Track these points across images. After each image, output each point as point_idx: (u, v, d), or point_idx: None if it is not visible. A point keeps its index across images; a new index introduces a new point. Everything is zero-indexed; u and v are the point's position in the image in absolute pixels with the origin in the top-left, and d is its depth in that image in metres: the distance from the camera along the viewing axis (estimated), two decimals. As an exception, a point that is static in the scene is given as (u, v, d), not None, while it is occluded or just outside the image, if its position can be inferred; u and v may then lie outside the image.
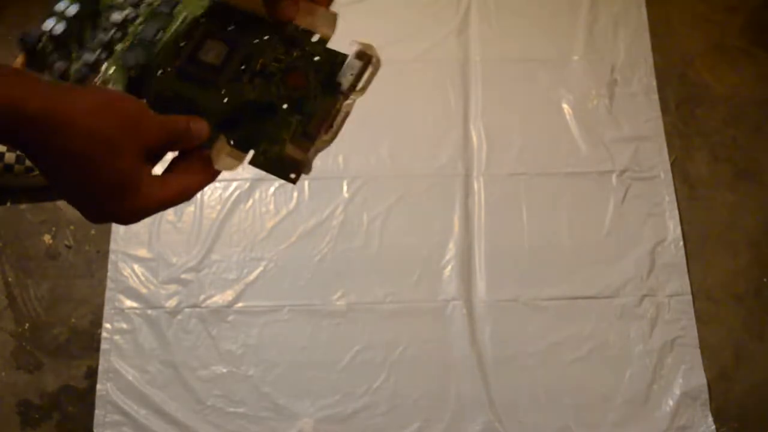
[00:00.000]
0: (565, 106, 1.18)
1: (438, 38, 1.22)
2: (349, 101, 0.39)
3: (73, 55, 0.40)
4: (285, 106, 0.39)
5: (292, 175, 0.38)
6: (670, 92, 1.20)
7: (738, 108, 1.19)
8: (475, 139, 1.15)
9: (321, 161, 1.13)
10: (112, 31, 0.41)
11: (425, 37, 1.22)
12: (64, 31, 0.40)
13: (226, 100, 0.39)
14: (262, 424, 0.99)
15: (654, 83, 1.19)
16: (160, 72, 0.40)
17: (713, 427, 1.00)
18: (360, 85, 0.40)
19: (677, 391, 1.01)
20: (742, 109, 1.19)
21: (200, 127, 0.37)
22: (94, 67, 0.40)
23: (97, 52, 0.40)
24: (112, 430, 0.99)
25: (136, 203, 0.34)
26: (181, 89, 0.39)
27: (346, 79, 0.40)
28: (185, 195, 0.37)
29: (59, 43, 0.40)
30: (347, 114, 0.39)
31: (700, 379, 1.02)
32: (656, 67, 1.20)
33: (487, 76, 1.19)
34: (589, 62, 1.20)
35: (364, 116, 1.15)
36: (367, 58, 0.40)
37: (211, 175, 0.38)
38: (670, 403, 1.01)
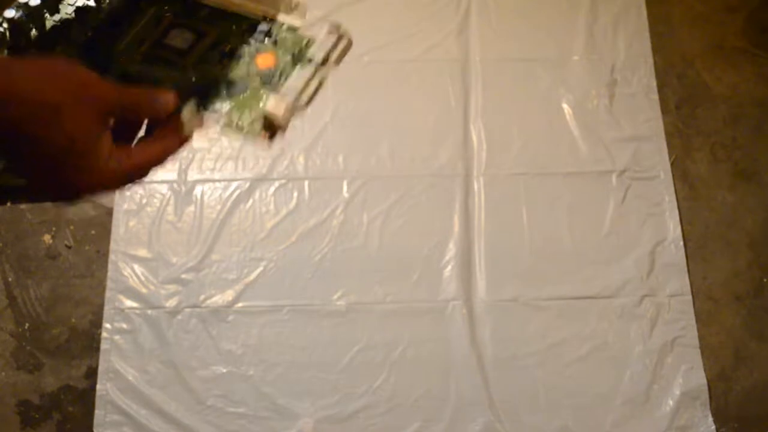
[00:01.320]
0: (565, 106, 1.18)
1: (438, 38, 1.22)
2: (322, 70, 0.39)
3: (31, 41, 0.40)
4: (256, 83, 0.39)
5: (267, 135, 0.38)
6: (670, 92, 1.20)
7: (738, 108, 1.19)
8: (475, 139, 1.15)
9: (321, 161, 1.14)
10: (72, 16, 0.41)
11: (425, 37, 1.22)
12: (24, 19, 0.40)
13: (194, 78, 0.39)
14: (262, 424, 0.99)
15: (654, 83, 1.19)
16: (123, 58, 0.39)
17: (713, 427, 1.00)
18: (333, 58, 0.39)
19: (677, 391, 1.01)
20: (742, 109, 1.19)
21: (167, 97, 0.36)
22: (51, 51, 0.40)
23: (54, 38, 0.40)
24: (112, 430, 0.99)
25: (97, 170, 0.33)
26: (146, 70, 0.39)
27: (318, 55, 0.39)
28: (155, 160, 0.36)
29: (18, 30, 0.40)
30: (321, 83, 0.39)
31: (700, 379, 1.02)
32: (656, 67, 1.20)
33: (487, 76, 1.19)
34: (589, 62, 1.20)
35: (364, 116, 1.16)
36: (338, 36, 0.40)
37: (181, 141, 0.37)
38: (670, 403, 1.01)
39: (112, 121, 0.34)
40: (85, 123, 0.32)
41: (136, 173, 0.35)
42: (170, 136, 0.37)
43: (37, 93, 0.31)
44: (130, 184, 0.36)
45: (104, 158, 0.33)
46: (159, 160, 0.36)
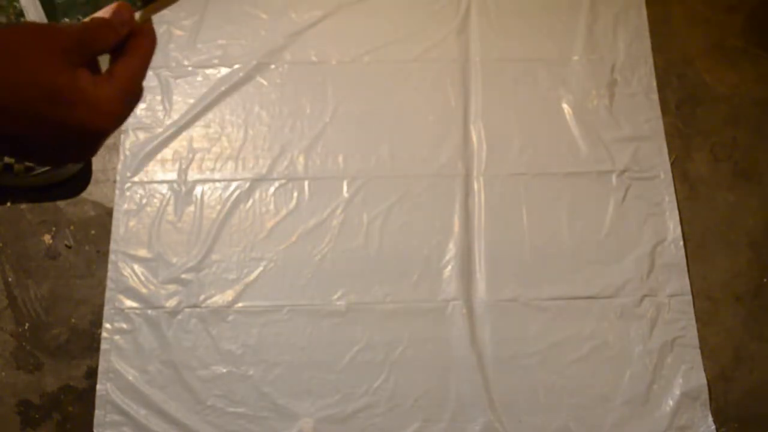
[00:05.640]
0: (565, 106, 1.18)
1: (438, 38, 1.22)
2: None
3: None
4: None
5: None
6: (670, 92, 1.20)
7: (738, 108, 1.19)
8: (475, 139, 1.15)
9: (321, 161, 1.14)
10: None
11: (425, 37, 1.22)
12: None
13: None
14: (262, 424, 0.99)
15: (654, 83, 1.19)
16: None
17: (713, 427, 1.00)
18: None
19: (677, 391, 1.01)
20: (742, 109, 1.19)
21: (120, 11, 0.36)
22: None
23: None
24: (112, 430, 0.99)
25: (93, 99, 0.33)
26: None
27: None
28: (140, 69, 0.36)
29: None
30: None
31: (700, 379, 1.02)
32: (656, 67, 1.20)
33: (487, 76, 1.19)
34: (589, 62, 1.20)
35: (364, 116, 1.16)
36: None
37: (152, 39, 0.37)
38: (670, 403, 1.01)
39: (78, 59, 0.34)
40: (58, 63, 0.32)
41: (131, 89, 0.35)
42: (140, 40, 0.37)
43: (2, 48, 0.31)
44: (132, 105, 0.36)
45: (92, 87, 0.33)
46: (143, 67, 0.36)
